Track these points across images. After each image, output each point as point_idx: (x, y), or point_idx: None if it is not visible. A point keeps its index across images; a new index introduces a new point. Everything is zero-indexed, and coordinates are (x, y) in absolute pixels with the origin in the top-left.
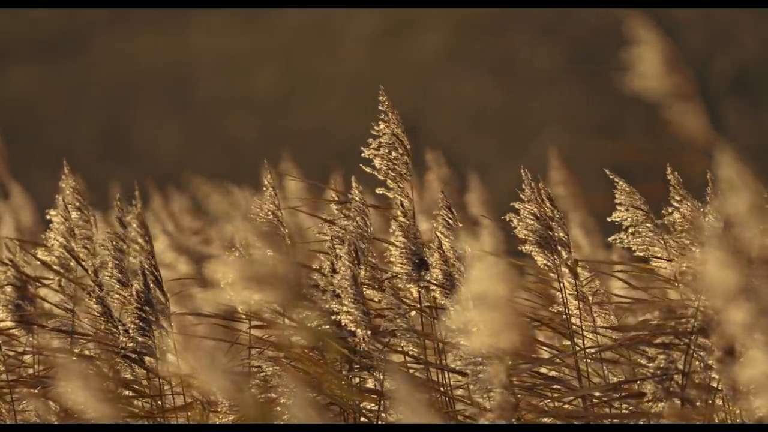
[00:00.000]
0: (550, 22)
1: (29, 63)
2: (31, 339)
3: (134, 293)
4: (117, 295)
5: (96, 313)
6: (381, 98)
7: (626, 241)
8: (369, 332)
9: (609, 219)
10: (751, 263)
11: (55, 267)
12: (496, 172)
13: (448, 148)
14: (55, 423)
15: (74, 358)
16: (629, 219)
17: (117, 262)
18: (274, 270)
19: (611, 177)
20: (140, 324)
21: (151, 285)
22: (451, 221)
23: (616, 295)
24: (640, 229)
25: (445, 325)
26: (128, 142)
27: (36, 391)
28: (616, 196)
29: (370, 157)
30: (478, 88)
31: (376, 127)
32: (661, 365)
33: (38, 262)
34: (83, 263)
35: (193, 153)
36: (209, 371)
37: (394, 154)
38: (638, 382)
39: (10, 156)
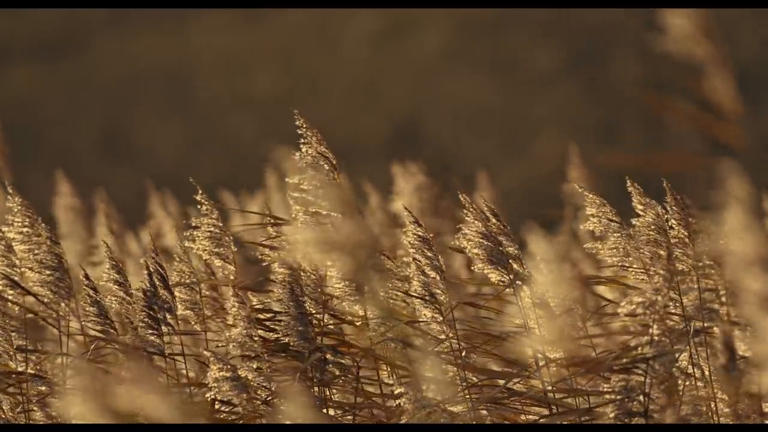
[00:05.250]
0: (550, 22)
1: (29, 63)
2: None
3: (141, 292)
4: (115, 297)
5: (92, 316)
6: (297, 122)
7: (600, 250)
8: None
9: (582, 228)
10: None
11: None
12: (495, 173)
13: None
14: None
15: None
16: (599, 229)
17: (114, 263)
18: (349, 236)
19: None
20: (149, 323)
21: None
22: (421, 234)
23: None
24: (612, 239)
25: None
26: (128, 142)
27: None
28: (587, 208)
29: (296, 183)
30: (478, 88)
31: (296, 152)
32: (622, 389)
33: None
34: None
35: (193, 153)
36: None
37: (318, 172)
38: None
39: (10, 156)
